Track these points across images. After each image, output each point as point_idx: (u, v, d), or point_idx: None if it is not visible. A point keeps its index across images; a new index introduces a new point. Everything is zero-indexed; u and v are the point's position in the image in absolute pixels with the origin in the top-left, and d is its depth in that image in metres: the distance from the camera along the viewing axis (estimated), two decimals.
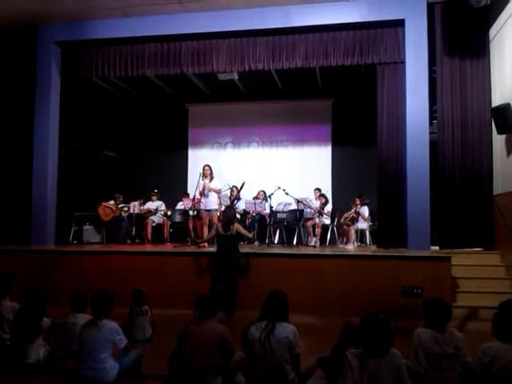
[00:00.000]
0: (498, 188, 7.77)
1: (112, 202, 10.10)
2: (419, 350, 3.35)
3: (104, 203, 10.01)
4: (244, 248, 8.16)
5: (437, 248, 7.95)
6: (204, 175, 8.64)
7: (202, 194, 8.59)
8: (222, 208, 8.25)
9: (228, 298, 6.66)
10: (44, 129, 9.16)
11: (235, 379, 3.60)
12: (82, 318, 4.43)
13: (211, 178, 8.65)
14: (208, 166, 8.75)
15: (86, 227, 10.01)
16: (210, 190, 8.54)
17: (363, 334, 3.03)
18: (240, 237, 7.63)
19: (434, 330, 3.37)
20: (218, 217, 8.60)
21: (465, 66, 8.13)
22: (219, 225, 7.08)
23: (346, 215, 9.38)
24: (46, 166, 9.10)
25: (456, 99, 8.11)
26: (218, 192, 8.77)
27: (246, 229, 9.31)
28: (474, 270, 7.25)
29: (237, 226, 7.08)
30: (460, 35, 8.13)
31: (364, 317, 3.12)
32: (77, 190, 9.65)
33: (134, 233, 10.17)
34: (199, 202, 8.69)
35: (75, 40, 9.18)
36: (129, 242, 9.89)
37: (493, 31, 7.98)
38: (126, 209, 10.21)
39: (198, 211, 8.86)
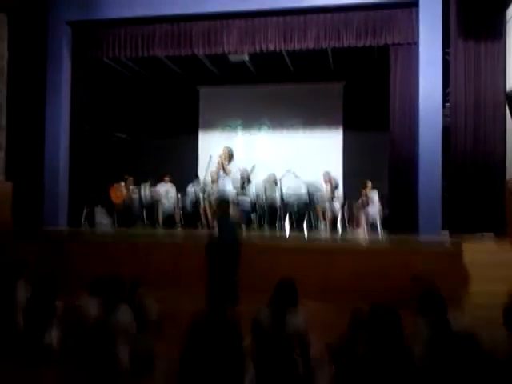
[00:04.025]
0: (511, 173, 7.68)
1: (123, 184, 10.13)
2: (417, 340, 3.34)
3: (115, 184, 10.05)
4: (252, 233, 8.14)
5: (447, 233, 7.89)
6: (223, 157, 8.33)
7: (217, 175, 8.42)
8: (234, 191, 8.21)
9: (231, 287, 6.39)
10: (55, 110, 9.17)
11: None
12: (94, 303, 4.44)
13: (229, 161, 8.39)
14: (228, 148, 8.47)
15: (98, 209, 10.05)
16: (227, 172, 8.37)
17: (372, 324, 3.04)
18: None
19: (432, 320, 3.35)
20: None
21: (479, 48, 7.98)
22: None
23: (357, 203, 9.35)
24: (58, 148, 9.13)
25: (470, 82, 7.97)
26: (228, 174, 8.64)
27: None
28: (486, 257, 7.18)
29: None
30: (475, 16, 7.94)
31: (373, 306, 3.11)
32: (89, 171, 9.70)
33: (144, 216, 10.19)
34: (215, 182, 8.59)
35: (86, 20, 9.11)
36: (140, 225, 9.92)
37: (510, 12, 7.79)
38: (136, 191, 10.22)
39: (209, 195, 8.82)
